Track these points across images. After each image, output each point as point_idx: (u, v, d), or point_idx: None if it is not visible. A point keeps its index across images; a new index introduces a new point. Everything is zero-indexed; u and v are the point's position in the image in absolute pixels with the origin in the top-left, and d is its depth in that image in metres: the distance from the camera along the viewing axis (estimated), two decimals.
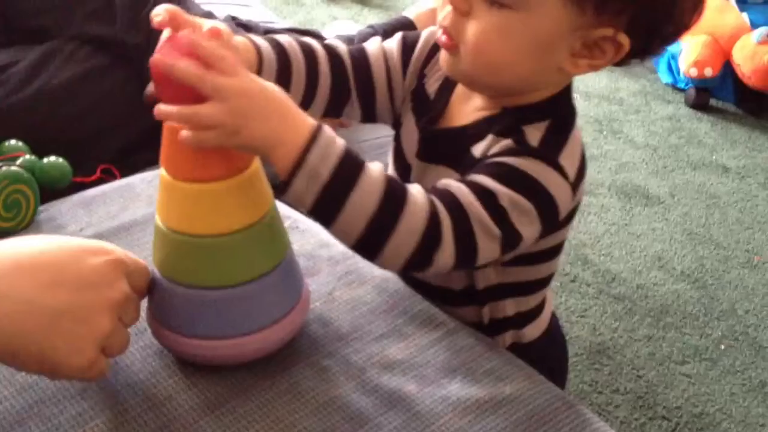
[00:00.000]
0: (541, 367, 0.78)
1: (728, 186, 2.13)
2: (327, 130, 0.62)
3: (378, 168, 0.64)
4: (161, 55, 0.60)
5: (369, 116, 0.82)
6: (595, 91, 2.52)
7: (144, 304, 0.75)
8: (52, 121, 1.10)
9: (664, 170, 2.17)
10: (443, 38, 0.70)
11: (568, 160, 0.69)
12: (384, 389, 0.72)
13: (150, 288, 0.70)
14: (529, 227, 0.68)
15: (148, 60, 1.20)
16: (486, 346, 0.77)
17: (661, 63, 2.62)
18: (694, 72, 2.41)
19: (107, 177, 1.06)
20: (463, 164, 0.72)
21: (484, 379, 0.74)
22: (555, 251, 0.79)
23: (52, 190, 0.92)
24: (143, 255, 0.84)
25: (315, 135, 0.61)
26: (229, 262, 0.67)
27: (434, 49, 0.79)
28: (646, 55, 0.70)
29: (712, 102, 2.51)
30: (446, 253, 0.65)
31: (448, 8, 0.68)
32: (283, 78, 0.74)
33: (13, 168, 0.87)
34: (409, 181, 0.78)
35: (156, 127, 1.17)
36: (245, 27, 1.22)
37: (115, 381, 0.71)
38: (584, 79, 2.55)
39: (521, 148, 0.68)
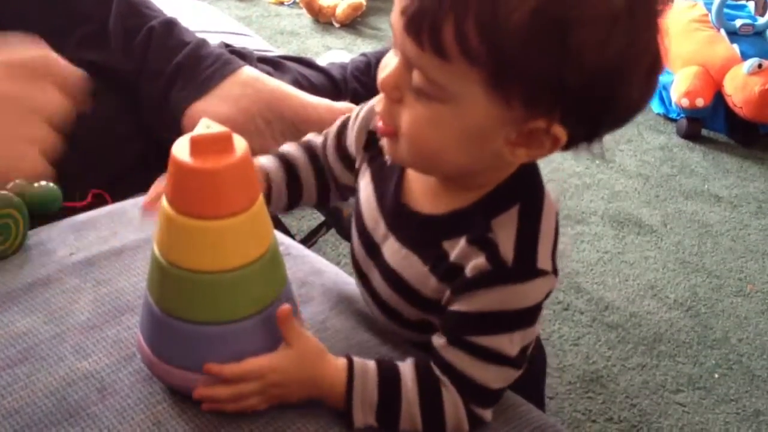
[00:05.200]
0: (523, 386, 0.78)
1: (720, 215, 2.14)
2: (357, 367, 0.70)
3: (411, 375, 0.70)
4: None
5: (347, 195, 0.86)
6: None
7: (130, 327, 0.74)
8: None
9: (656, 199, 2.18)
10: (380, 125, 0.68)
11: (544, 251, 0.67)
12: None
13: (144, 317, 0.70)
14: (537, 330, 0.71)
15: (140, 86, 1.19)
16: None
17: None
18: (685, 102, 2.43)
19: (98, 202, 1.05)
20: (432, 256, 0.70)
21: None
22: None
23: (42, 214, 0.92)
24: (134, 280, 0.85)
25: (350, 384, 0.69)
26: (232, 297, 0.66)
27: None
28: (594, 141, 0.66)
29: (704, 132, 2.52)
30: (489, 414, 0.72)
31: (382, 94, 0.66)
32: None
33: (3, 192, 0.87)
34: (373, 250, 0.76)
35: (148, 153, 1.17)
36: (239, 54, 1.23)
37: (102, 406, 0.70)
38: None
39: (498, 274, 0.66)
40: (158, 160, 1.16)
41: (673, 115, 2.55)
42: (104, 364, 0.74)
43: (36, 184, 0.91)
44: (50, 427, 0.68)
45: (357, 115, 0.80)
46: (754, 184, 2.31)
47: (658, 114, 2.61)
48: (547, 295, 0.69)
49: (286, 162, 0.83)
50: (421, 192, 0.73)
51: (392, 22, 0.63)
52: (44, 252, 0.88)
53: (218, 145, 0.62)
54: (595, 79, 0.59)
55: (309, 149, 0.85)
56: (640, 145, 2.44)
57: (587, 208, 2.09)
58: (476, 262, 0.67)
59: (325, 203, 0.88)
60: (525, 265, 0.66)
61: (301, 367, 0.69)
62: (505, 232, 0.67)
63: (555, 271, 0.68)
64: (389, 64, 0.65)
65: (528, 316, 0.68)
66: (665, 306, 1.77)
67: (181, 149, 0.63)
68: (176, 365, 0.68)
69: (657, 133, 2.52)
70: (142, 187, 1.09)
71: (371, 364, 0.70)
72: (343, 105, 1.20)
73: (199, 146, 0.62)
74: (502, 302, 0.67)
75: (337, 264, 1.31)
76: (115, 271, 0.86)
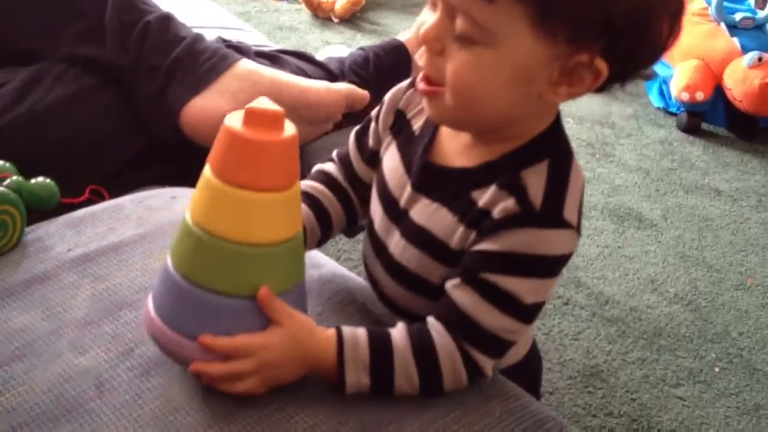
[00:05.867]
0: (519, 385, 0.78)
1: (721, 209, 2.14)
2: (347, 335, 0.70)
3: (400, 332, 0.71)
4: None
5: None
6: (588, 115, 2.52)
7: (128, 323, 0.74)
8: (40, 143, 1.09)
9: (656, 193, 2.18)
10: (422, 85, 0.70)
11: (571, 205, 0.69)
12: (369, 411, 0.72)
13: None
14: (551, 290, 0.72)
15: (137, 81, 1.19)
16: None
17: (653, 87, 2.64)
18: (685, 96, 2.42)
19: (95, 198, 1.05)
20: (461, 206, 0.72)
21: (473, 400, 0.74)
22: None
23: (39, 211, 0.92)
24: (131, 276, 0.84)
25: (340, 348, 0.70)
26: (252, 272, 0.67)
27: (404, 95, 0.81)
28: (626, 79, 0.69)
29: (704, 126, 2.52)
30: (489, 364, 0.73)
31: (423, 48, 0.68)
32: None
33: (0, 189, 0.87)
34: (398, 214, 0.78)
35: (145, 149, 1.17)
36: (236, 49, 1.22)
37: (101, 402, 0.70)
38: (577, 103, 2.55)
39: (525, 216, 0.68)
40: (155, 156, 1.18)
41: (673, 109, 2.55)
42: (102, 360, 0.74)
43: (33, 180, 0.91)
44: (48, 423, 0.68)
45: (382, 103, 0.83)
46: (754, 178, 2.30)
47: (658, 108, 2.60)
48: (568, 257, 0.70)
49: (309, 199, 0.84)
50: (452, 150, 0.75)
51: None
52: (42, 248, 0.88)
53: (271, 120, 0.65)
54: (635, 13, 0.63)
55: (325, 179, 0.86)
56: (640, 140, 2.43)
57: (587, 202, 2.09)
58: (505, 205, 0.69)
59: (355, 225, 0.88)
60: (552, 212, 0.68)
61: (293, 344, 0.69)
62: (534, 181, 0.69)
63: (578, 230, 0.70)
64: (426, 20, 0.67)
65: (549, 265, 0.70)
66: (665, 300, 1.77)
67: (233, 120, 0.65)
68: (179, 332, 0.68)
69: (657, 127, 2.51)
70: (139, 183, 1.10)
71: (360, 329, 0.72)
72: (341, 86, 1.21)
73: (252, 118, 0.64)
74: (526, 245, 0.68)
75: (337, 259, 1.31)
76: (113, 267, 0.85)
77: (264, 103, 0.65)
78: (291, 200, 0.68)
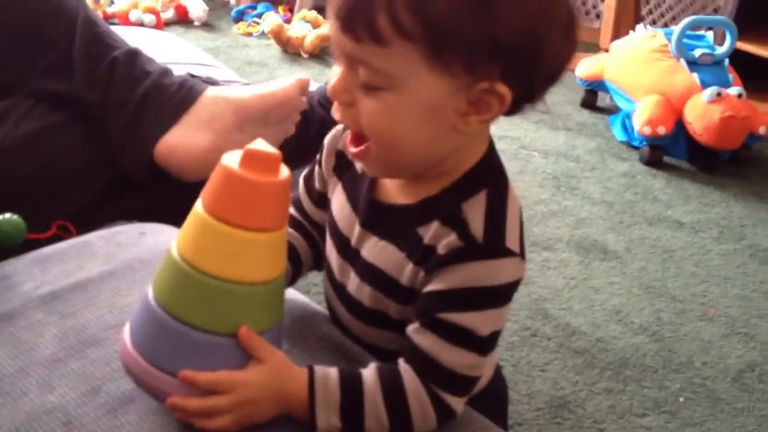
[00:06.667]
0: (486, 414, 0.79)
1: (683, 240, 2.17)
2: (319, 375, 0.71)
3: (371, 374, 0.72)
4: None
5: None
6: (553, 149, 2.56)
7: (95, 360, 0.74)
8: (7, 178, 1.09)
9: (620, 225, 2.21)
10: (351, 150, 0.72)
11: (512, 232, 0.71)
12: None
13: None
14: (505, 317, 0.73)
15: (106, 116, 1.19)
16: None
17: (616, 122, 2.69)
18: (647, 130, 2.47)
19: (63, 234, 1.05)
20: (408, 243, 0.73)
21: None
22: None
23: (6, 247, 0.91)
24: (99, 313, 0.84)
25: (311, 387, 0.70)
26: (237, 310, 0.68)
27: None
28: (536, 98, 0.71)
29: (666, 159, 2.57)
30: (459, 403, 0.73)
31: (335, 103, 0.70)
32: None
33: None
34: (350, 253, 0.79)
35: (113, 184, 1.17)
36: (205, 83, 1.24)
37: None
38: (542, 137, 2.60)
39: (469, 250, 0.69)
40: (122, 191, 1.18)
41: (636, 143, 2.59)
42: (69, 398, 0.74)
43: (0, 217, 0.91)
44: None
45: (323, 146, 0.84)
46: (715, 210, 2.35)
47: (621, 142, 2.65)
48: (517, 283, 0.72)
49: None
50: (395, 188, 0.76)
51: (329, 34, 0.67)
52: (9, 285, 0.87)
53: (268, 162, 0.66)
54: (523, 34, 0.64)
55: (290, 221, 0.86)
56: (603, 173, 2.47)
57: (553, 234, 2.12)
58: (448, 240, 0.70)
59: (321, 262, 0.89)
60: (494, 243, 0.70)
61: (272, 382, 0.69)
62: (474, 213, 0.70)
63: (523, 256, 0.72)
64: (333, 74, 0.69)
65: (498, 295, 0.71)
66: (630, 331, 1.79)
67: (230, 159, 0.66)
68: (156, 365, 0.68)
69: (620, 161, 2.56)
70: (107, 218, 1.10)
71: (332, 369, 0.72)
72: (292, 79, 1.27)
73: (250, 159, 0.65)
74: (473, 278, 0.69)
75: (307, 293, 1.31)
76: (81, 305, 0.85)
77: (261, 145, 0.67)
78: (279, 241, 0.69)
